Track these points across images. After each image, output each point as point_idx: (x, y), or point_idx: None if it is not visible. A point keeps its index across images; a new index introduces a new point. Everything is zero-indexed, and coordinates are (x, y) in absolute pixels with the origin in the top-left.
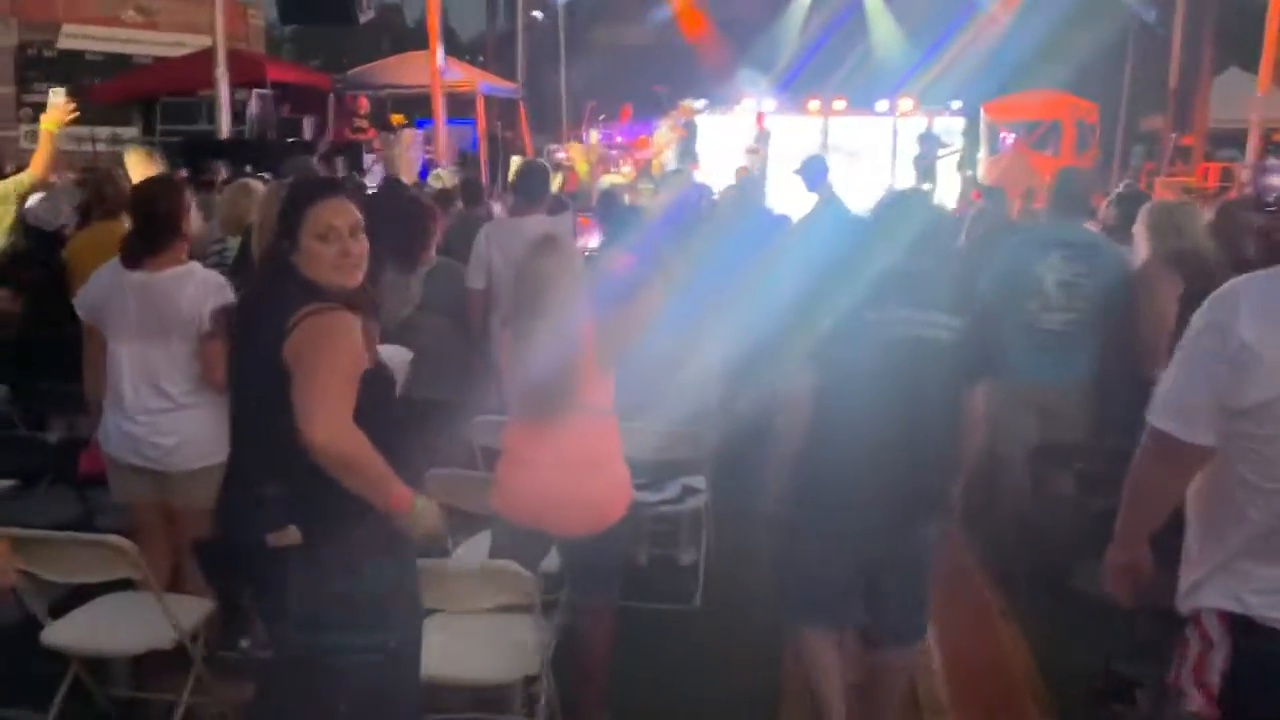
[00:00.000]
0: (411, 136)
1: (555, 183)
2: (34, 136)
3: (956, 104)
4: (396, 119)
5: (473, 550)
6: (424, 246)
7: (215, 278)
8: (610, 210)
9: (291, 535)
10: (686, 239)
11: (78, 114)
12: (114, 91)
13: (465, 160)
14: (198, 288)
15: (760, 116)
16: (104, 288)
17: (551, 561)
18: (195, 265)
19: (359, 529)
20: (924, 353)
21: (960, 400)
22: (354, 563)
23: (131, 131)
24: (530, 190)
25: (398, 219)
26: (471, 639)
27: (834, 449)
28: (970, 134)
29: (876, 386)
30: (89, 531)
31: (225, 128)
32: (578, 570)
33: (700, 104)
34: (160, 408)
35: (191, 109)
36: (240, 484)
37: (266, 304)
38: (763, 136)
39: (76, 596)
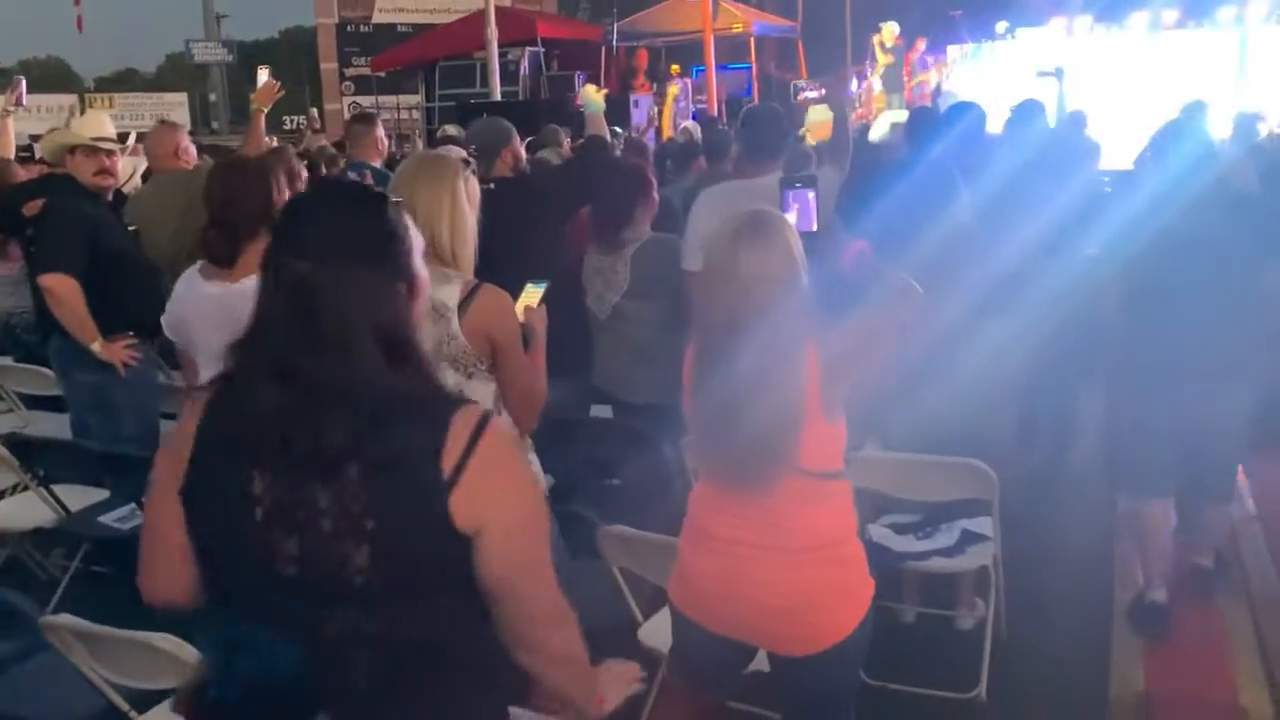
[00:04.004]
0: (679, 88)
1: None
2: (358, 110)
3: None
4: (674, 69)
5: (659, 629)
6: (629, 220)
7: None
8: (859, 168)
9: None
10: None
11: (283, 92)
12: (394, 60)
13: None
14: None
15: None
16: (182, 302)
17: (761, 660)
18: None
19: None
20: (1208, 250)
21: (1253, 289)
22: None
23: (414, 99)
24: (759, 142)
25: (598, 187)
26: None
27: (1153, 330)
28: None
29: (1185, 279)
30: None
31: (497, 89)
32: (794, 700)
33: (1001, 26)
34: None
35: (467, 72)
36: None
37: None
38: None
39: None
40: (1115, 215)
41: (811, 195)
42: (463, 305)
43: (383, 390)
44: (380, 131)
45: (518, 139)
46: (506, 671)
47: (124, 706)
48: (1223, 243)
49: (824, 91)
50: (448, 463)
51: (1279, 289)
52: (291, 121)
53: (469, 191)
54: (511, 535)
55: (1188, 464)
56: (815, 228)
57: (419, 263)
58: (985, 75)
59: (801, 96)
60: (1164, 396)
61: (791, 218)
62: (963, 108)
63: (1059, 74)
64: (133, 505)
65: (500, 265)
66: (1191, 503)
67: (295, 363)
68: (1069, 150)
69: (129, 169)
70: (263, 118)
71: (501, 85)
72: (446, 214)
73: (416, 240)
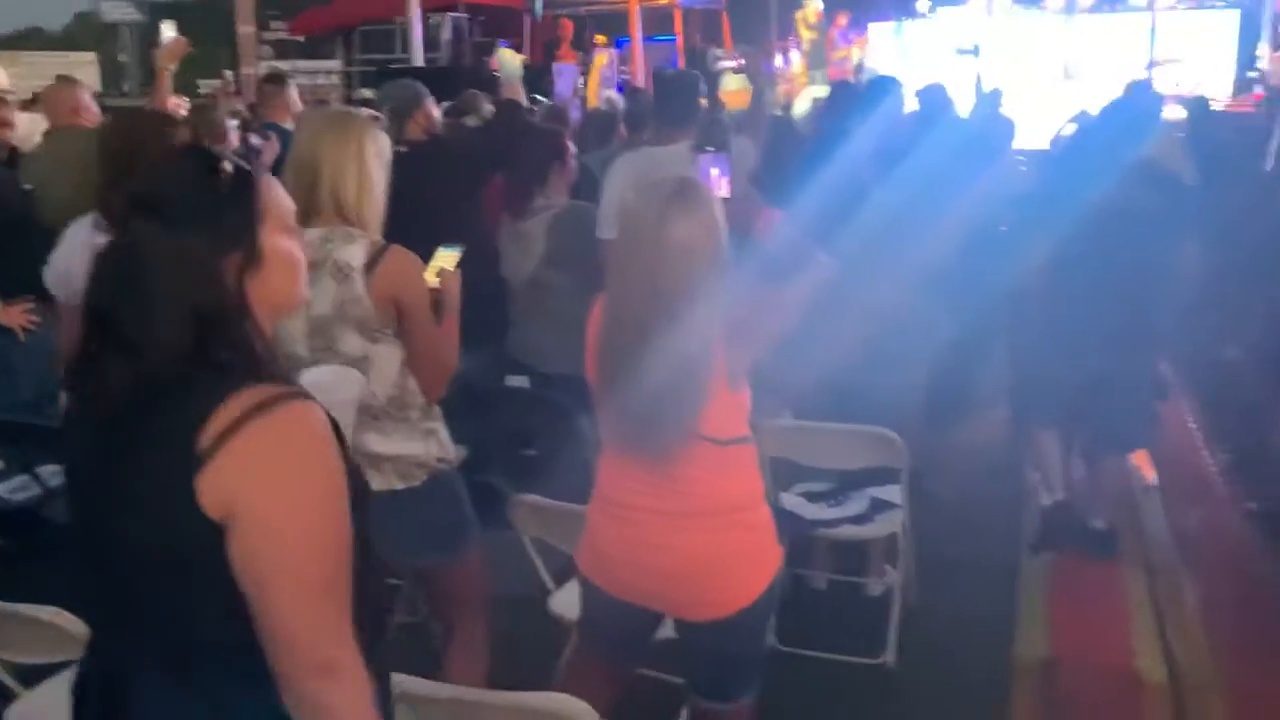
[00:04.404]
0: (606, 58)
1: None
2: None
3: None
4: (600, 39)
5: (570, 599)
6: (543, 186)
7: None
8: (776, 142)
9: None
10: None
11: (192, 50)
12: (313, 24)
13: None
14: None
15: None
16: (73, 253)
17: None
18: None
19: None
20: (1128, 221)
21: (1166, 260)
22: None
23: (333, 64)
24: (670, 109)
25: (513, 152)
26: None
27: (1066, 289)
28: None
29: (1096, 245)
30: None
31: (419, 55)
32: (700, 666)
33: (923, 4)
34: None
35: (388, 37)
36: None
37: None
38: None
39: None
40: (1039, 192)
41: (724, 162)
42: (368, 267)
43: (173, 357)
44: (292, 92)
45: (431, 101)
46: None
47: (10, 682)
48: (1144, 217)
49: (742, 62)
50: (206, 436)
51: (1192, 262)
52: (208, 86)
53: (377, 149)
54: (268, 533)
55: (1091, 413)
56: (727, 194)
57: (273, 236)
58: (906, 52)
59: (717, 65)
60: (1071, 348)
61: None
62: (883, 83)
63: (976, 51)
64: (26, 476)
65: (411, 230)
66: (1094, 451)
67: (106, 316)
68: (989, 129)
69: (29, 128)
70: (168, 76)
71: (423, 51)
72: (352, 171)
73: (276, 212)
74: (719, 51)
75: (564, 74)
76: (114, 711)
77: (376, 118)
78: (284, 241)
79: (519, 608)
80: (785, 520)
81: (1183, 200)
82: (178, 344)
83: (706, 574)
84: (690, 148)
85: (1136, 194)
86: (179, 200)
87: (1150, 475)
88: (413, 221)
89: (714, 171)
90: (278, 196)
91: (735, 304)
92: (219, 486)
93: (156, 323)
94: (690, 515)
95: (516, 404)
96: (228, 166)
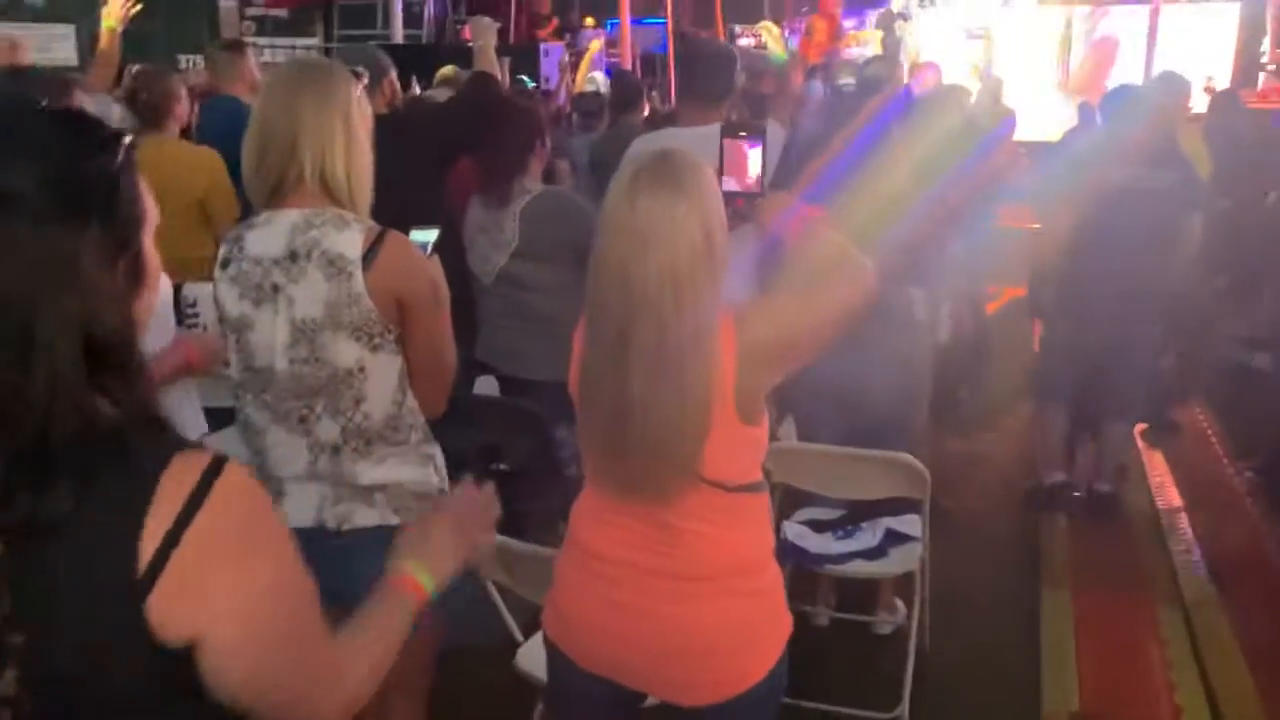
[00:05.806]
0: (600, 44)
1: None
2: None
3: None
4: (588, 21)
5: (539, 657)
6: (519, 169)
7: None
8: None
9: None
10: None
11: (141, 7)
12: None
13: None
14: None
15: None
16: None
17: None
18: None
19: None
20: (1143, 198)
21: (1175, 231)
22: None
23: (311, 41)
24: (702, 84)
25: (487, 131)
26: None
27: (1085, 266)
28: None
29: (1112, 223)
30: None
31: (399, 31)
32: None
33: None
34: None
35: (368, 13)
36: None
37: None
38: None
39: None
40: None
41: (758, 149)
42: (366, 258)
43: (69, 416)
44: (251, 61)
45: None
46: None
47: None
48: (1155, 194)
49: (758, 39)
50: (147, 544)
51: (1196, 233)
52: (188, 61)
53: (364, 113)
54: (252, 639)
55: (1099, 384)
56: (759, 189)
57: (150, 243)
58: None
59: (738, 42)
60: (1087, 321)
61: (730, 175)
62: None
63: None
64: None
65: (376, 215)
66: (1099, 419)
67: None
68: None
69: None
70: (115, 38)
71: (405, 28)
72: (340, 140)
73: (151, 210)
74: (740, 28)
75: (551, 54)
76: None
77: (357, 74)
78: (152, 246)
79: (484, 659)
80: (789, 553)
81: (1191, 180)
82: (73, 400)
83: (703, 651)
84: (721, 129)
85: (1149, 173)
86: (69, 185)
87: (1175, 496)
88: (376, 205)
89: (756, 151)
90: (144, 185)
91: (753, 316)
92: (179, 608)
93: (43, 371)
94: (685, 578)
95: (482, 413)
96: (120, 139)
